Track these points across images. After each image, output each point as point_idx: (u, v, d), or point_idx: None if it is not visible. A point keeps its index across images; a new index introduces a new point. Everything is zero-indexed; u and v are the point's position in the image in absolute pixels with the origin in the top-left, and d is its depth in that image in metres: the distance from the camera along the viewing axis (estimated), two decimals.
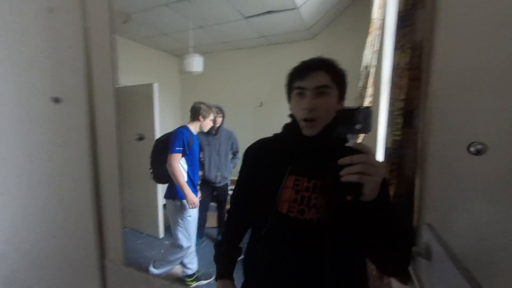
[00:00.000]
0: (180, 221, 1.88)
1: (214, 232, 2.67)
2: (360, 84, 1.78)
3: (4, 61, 0.87)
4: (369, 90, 1.72)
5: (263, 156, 0.73)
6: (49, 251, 0.97)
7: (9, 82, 0.87)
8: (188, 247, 1.93)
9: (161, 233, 2.71)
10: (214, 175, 2.35)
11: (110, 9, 0.90)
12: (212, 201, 2.55)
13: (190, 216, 1.89)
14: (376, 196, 0.52)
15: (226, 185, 2.54)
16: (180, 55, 3.56)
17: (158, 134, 2.56)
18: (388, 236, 0.55)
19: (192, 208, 1.85)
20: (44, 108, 0.88)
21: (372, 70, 1.65)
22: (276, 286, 0.68)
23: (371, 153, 0.51)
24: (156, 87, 2.54)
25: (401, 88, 0.68)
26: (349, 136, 0.54)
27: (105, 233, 1.05)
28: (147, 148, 2.09)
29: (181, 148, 1.81)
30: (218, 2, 2.09)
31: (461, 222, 0.47)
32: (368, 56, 1.65)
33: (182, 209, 1.87)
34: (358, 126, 0.53)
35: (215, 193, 2.49)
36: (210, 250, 2.47)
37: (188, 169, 1.90)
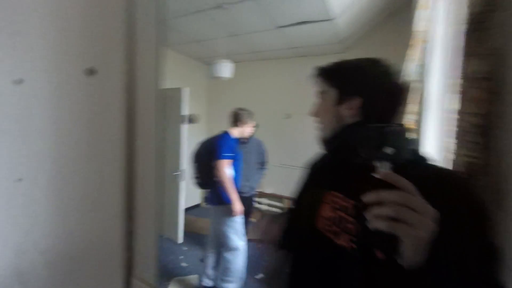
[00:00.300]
0: (229, 223, 1.86)
1: None
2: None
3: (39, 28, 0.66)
4: (411, 107, 1.58)
5: (313, 170, 0.70)
6: (68, 254, 0.79)
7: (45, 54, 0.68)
8: (244, 247, 1.90)
9: (180, 238, 2.67)
10: (241, 184, 2.31)
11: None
12: None
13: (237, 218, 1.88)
14: (426, 260, 0.36)
15: (252, 196, 2.46)
16: (209, 62, 3.63)
17: (184, 137, 2.59)
18: None
19: (236, 215, 1.84)
20: (77, 82, 0.70)
21: (415, 85, 1.52)
22: None
23: (413, 190, 0.35)
24: (185, 92, 2.58)
25: (475, 100, 0.57)
26: (377, 163, 0.39)
27: (136, 243, 0.84)
28: (171, 151, 2.09)
29: (230, 154, 1.80)
30: (253, 10, 2.09)
31: None
32: (410, 70, 1.53)
33: (229, 212, 1.84)
34: (388, 150, 0.39)
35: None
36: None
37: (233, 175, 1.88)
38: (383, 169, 0.39)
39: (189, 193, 3.72)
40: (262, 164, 2.42)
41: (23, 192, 0.74)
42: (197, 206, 4.03)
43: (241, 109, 1.96)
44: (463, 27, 0.64)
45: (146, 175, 0.79)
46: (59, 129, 0.71)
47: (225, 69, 2.53)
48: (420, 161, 0.51)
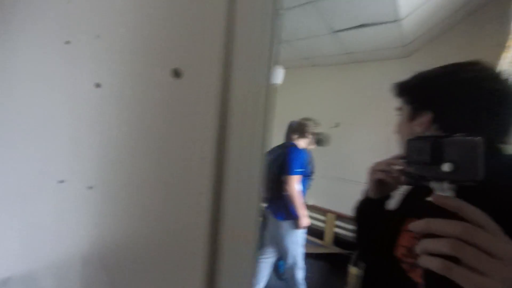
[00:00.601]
0: (293, 238, 1.80)
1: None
2: None
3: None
4: None
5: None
6: (135, 272, 0.67)
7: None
8: (302, 261, 1.86)
9: None
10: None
11: None
12: None
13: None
14: None
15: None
16: None
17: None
18: None
19: (301, 229, 1.79)
20: (161, 83, 0.55)
21: None
22: None
23: (485, 222, 0.27)
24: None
25: None
26: (433, 184, 0.31)
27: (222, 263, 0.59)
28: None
29: (301, 170, 1.73)
30: (309, 14, 2.02)
31: None
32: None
33: (295, 226, 1.78)
34: (447, 167, 0.29)
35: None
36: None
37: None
38: (440, 192, 0.30)
39: None
40: (308, 174, 2.29)
41: (93, 200, 0.71)
42: None
43: (306, 119, 1.88)
44: None
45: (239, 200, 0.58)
46: (137, 137, 0.64)
47: (276, 75, 2.49)
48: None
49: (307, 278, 2.07)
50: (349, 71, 3.03)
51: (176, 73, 0.49)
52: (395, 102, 0.63)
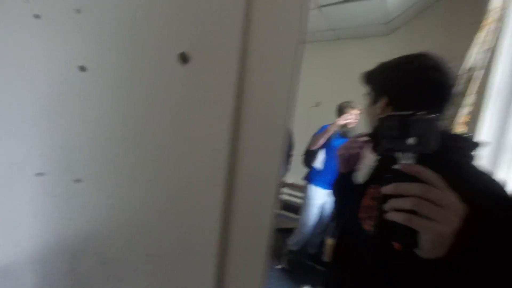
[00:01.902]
0: None
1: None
2: (456, 90, 1.47)
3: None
4: (468, 98, 1.40)
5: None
6: (134, 265, 0.62)
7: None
8: None
9: None
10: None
11: None
12: None
13: None
14: (447, 254, 0.35)
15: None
16: None
17: None
18: None
19: None
20: (169, 68, 0.49)
21: (479, 74, 1.33)
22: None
23: (437, 182, 0.34)
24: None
25: None
26: (399, 154, 0.38)
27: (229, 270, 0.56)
28: None
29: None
30: None
31: None
32: (475, 56, 1.33)
33: None
34: (411, 140, 0.36)
35: None
36: None
37: None
38: (405, 160, 0.37)
39: None
40: (288, 153, 2.38)
41: (82, 193, 0.62)
42: None
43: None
44: None
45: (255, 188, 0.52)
46: (132, 128, 0.54)
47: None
48: (464, 154, 0.52)
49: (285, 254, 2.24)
50: (332, 48, 3.02)
51: (184, 58, 0.37)
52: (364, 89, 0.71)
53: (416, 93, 0.56)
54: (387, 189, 0.36)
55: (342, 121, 1.89)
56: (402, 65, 0.60)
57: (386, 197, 0.37)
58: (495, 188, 0.46)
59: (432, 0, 2.30)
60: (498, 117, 1.30)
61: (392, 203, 0.35)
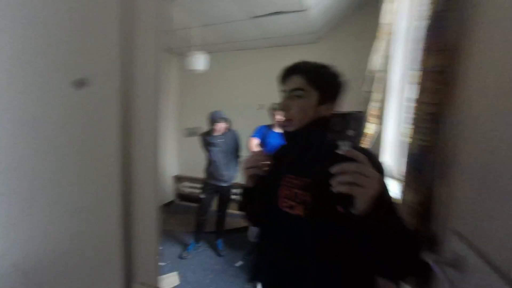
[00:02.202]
0: None
1: (212, 237, 2.60)
2: (365, 88, 1.77)
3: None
4: (375, 95, 1.71)
5: (274, 159, 0.77)
6: (57, 272, 0.69)
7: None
8: None
9: None
10: (221, 173, 2.40)
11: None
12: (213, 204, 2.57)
13: None
14: (370, 210, 0.50)
15: (230, 186, 2.52)
16: (180, 54, 3.50)
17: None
18: (383, 249, 0.53)
19: None
20: (64, 93, 0.60)
21: (379, 75, 1.64)
22: (276, 277, 0.72)
23: (365, 162, 0.49)
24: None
25: (428, 91, 0.66)
26: (341, 143, 0.51)
27: (135, 251, 0.75)
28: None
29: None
30: (225, 0, 2.06)
31: (496, 229, 0.45)
32: (375, 61, 1.64)
33: None
34: (350, 132, 0.51)
35: (217, 194, 2.54)
36: (208, 256, 2.42)
37: None
38: (345, 147, 0.50)
39: (160, 191, 3.66)
40: (236, 154, 2.49)
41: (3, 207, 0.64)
42: (170, 203, 3.96)
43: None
44: (424, 23, 0.72)
45: (144, 177, 0.75)
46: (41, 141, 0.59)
47: (200, 62, 2.48)
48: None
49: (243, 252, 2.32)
50: (270, 54, 3.26)
51: (81, 83, 0.50)
52: (295, 83, 0.69)
53: (337, 91, 0.71)
54: (335, 169, 0.49)
55: (274, 120, 2.17)
56: (325, 68, 0.70)
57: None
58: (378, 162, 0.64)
59: (349, 13, 2.69)
60: (396, 110, 1.62)
61: (340, 179, 0.48)
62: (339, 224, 0.59)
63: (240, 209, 0.84)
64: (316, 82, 0.69)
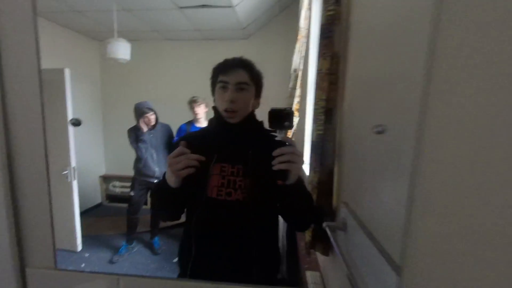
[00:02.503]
0: None
1: (146, 237, 2.47)
2: (290, 85, 1.96)
3: None
4: (298, 91, 1.91)
5: (192, 149, 0.69)
6: None
7: None
8: None
9: (79, 246, 2.34)
10: (152, 170, 2.27)
11: None
12: (146, 202, 2.42)
13: None
14: (297, 180, 0.67)
15: None
16: (101, 39, 3.10)
17: (71, 131, 2.20)
18: (301, 207, 0.72)
19: None
20: None
21: (300, 74, 1.84)
22: (210, 266, 0.75)
23: (294, 144, 0.65)
24: (67, 73, 2.15)
25: (323, 89, 0.80)
26: (278, 131, 0.66)
27: (27, 237, 0.75)
28: (53, 146, 1.76)
29: None
30: None
31: (367, 198, 0.60)
32: (296, 60, 1.83)
33: None
34: (286, 124, 0.65)
35: (149, 192, 2.40)
36: (143, 257, 2.29)
37: None
38: (281, 135, 0.66)
39: (86, 193, 3.24)
40: (170, 149, 2.42)
41: None
42: (98, 206, 3.55)
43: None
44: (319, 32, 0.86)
45: (31, 174, 0.71)
46: None
47: (122, 50, 2.25)
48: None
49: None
50: (201, 47, 3.21)
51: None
52: (241, 76, 0.73)
53: (262, 87, 0.81)
54: (277, 152, 0.61)
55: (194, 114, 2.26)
56: (256, 65, 0.79)
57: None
58: None
59: (275, 13, 2.87)
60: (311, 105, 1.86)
61: (280, 159, 0.61)
62: (273, 200, 0.74)
63: (157, 207, 0.79)
64: (255, 77, 0.77)
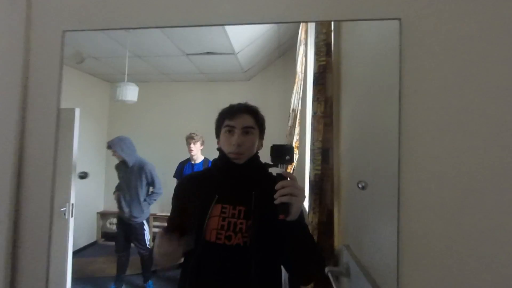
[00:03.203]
0: None
1: (138, 280, 2.31)
2: (290, 123, 2.04)
3: None
4: (297, 129, 1.98)
5: (193, 189, 0.77)
6: None
7: None
8: None
9: None
10: (124, 211, 2.13)
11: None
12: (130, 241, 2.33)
13: None
14: (298, 216, 0.67)
15: (142, 224, 2.28)
16: (111, 80, 3.31)
17: (77, 163, 2.22)
18: (304, 250, 0.68)
19: None
20: None
21: (298, 113, 1.93)
22: None
23: (295, 178, 0.67)
24: (77, 112, 2.25)
25: (318, 131, 0.84)
26: (280, 165, 0.71)
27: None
28: (63, 180, 1.77)
29: None
30: (158, 36, 2.13)
31: (367, 240, 0.60)
32: (294, 101, 1.94)
33: None
34: (287, 158, 0.70)
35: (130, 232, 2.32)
36: None
37: None
38: (282, 169, 0.69)
39: (82, 230, 3.13)
40: (150, 187, 2.29)
41: None
42: (93, 244, 3.40)
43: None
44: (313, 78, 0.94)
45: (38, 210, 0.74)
46: None
47: (130, 93, 2.41)
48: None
49: None
50: (205, 88, 3.40)
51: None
52: (246, 121, 0.82)
53: (264, 130, 0.86)
54: (278, 184, 0.65)
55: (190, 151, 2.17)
56: (259, 110, 0.87)
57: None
58: None
59: (275, 57, 3.11)
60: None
61: (282, 192, 0.63)
62: (275, 244, 0.70)
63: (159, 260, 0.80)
64: (259, 121, 0.85)
